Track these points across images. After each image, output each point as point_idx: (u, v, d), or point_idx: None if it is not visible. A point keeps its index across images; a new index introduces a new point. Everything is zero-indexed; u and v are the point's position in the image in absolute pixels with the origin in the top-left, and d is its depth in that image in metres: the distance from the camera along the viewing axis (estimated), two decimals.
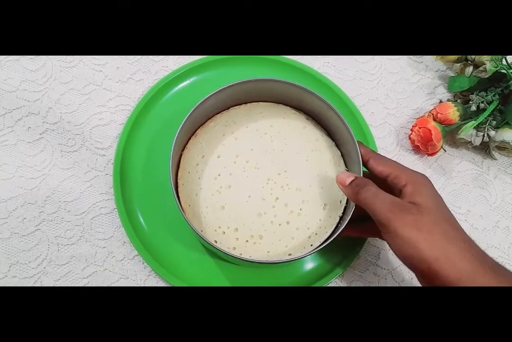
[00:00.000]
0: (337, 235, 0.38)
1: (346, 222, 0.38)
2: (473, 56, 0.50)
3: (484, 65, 0.48)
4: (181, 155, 0.43)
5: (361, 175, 0.39)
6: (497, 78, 0.49)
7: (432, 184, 0.36)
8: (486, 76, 0.48)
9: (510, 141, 0.47)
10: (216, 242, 0.40)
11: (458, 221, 0.35)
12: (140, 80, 0.51)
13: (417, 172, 0.37)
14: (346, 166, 0.43)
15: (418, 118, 0.52)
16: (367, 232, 0.42)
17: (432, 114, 0.50)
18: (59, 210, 0.46)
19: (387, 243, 0.34)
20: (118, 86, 0.51)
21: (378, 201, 0.34)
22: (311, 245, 0.40)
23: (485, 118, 0.48)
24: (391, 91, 0.54)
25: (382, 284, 0.47)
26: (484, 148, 0.52)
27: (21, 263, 0.45)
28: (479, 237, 0.49)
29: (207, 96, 0.40)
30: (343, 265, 0.45)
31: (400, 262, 0.47)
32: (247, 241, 0.40)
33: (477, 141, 0.49)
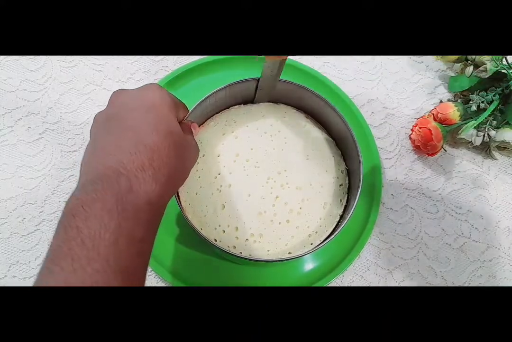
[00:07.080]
0: (337, 234, 0.37)
1: (346, 221, 0.38)
2: (474, 56, 0.50)
3: (485, 65, 0.48)
4: None
5: (361, 175, 0.38)
6: (498, 78, 0.49)
7: None
8: (486, 76, 0.48)
9: (510, 141, 0.47)
10: (216, 240, 0.40)
11: (459, 221, 0.34)
12: (140, 80, 0.51)
13: None
14: (346, 165, 0.43)
15: (418, 118, 0.52)
16: None
17: (433, 114, 0.51)
18: (59, 210, 0.46)
19: None
20: (118, 86, 0.51)
21: None
22: (311, 244, 0.40)
23: (485, 118, 0.48)
24: (392, 91, 0.54)
25: (383, 284, 0.47)
26: (485, 148, 0.51)
27: (21, 263, 0.44)
28: (480, 237, 0.49)
29: (207, 95, 0.40)
30: (344, 265, 0.45)
31: (400, 262, 0.47)
32: (247, 239, 0.40)
33: (478, 141, 0.49)
